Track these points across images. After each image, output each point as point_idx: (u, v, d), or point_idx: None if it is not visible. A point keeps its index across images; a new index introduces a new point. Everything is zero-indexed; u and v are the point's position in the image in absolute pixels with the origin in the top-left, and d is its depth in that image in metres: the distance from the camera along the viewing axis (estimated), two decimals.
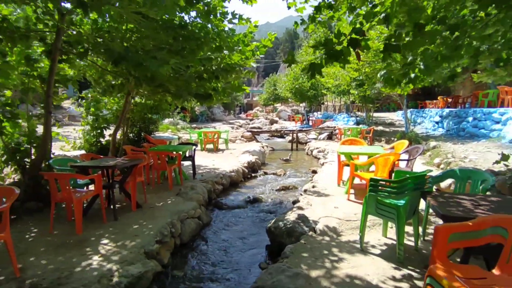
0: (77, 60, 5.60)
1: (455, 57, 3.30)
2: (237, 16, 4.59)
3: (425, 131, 12.84)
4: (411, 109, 17.39)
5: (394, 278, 2.85)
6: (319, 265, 3.14)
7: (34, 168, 4.38)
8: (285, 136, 19.86)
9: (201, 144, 11.70)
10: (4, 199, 2.89)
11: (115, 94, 6.26)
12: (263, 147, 12.69)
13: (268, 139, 19.63)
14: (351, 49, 2.47)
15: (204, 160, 9.36)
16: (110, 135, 8.01)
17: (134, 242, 3.62)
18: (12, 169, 4.61)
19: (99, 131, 7.55)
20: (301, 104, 33.36)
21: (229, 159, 9.72)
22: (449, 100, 15.00)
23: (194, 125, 20.86)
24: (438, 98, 16.02)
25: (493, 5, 2.38)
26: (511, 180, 3.63)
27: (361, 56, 2.60)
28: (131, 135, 8.85)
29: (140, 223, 4.23)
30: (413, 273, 2.92)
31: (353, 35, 2.43)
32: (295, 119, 29.93)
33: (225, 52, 4.83)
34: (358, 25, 2.71)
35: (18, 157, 4.49)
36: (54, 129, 5.39)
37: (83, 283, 2.76)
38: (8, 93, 4.53)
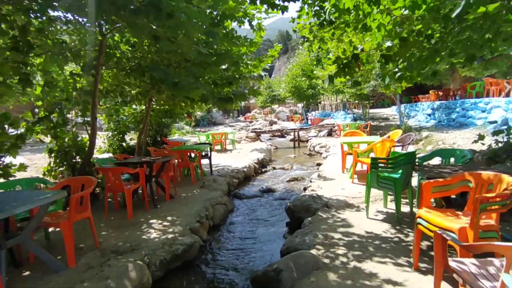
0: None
1: (435, 58, 4.11)
2: (248, 40, 5.47)
3: (418, 123, 13.68)
4: (405, 104, 18.27)
5: (392, 232, 3.63)
6: (333, 227, 3.91)
7: (84, 166, 5.11)
8: (285, 135, 20.69)
9: None
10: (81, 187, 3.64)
11: (139, 102, 7.01)
12: (269, 145, 13.47)
13: (269, 139, 20.40)
14: (355, 62, 3.27)
15: (215, 159, 10.08)
16: (130, 139, 8.77)
17: (179, 222, 4.37)
18: (63, 168, 5.34)
19: (121, 135, 8.28)
20: (298, 104, 34.21)
21: (238, 157, 10.47)
22: (440, 93, 15.88)
23: (198, 129, 21.57)
24: (430, 92, 16.91)
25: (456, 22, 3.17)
26: (486, 155, 4.42)
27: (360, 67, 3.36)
28: (147, 138, 9.58)
29: (178, 208, 4.98)
30: (407, 229, 3.69)
31: (355, 51, 3.22)
32: (294, 119, 30.74)
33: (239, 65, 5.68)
34: (357, 45, 3.50)
35: (68, 158, 5.23)
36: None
37: (151, 248, 3.50)
38: (67, 103, 5.26)
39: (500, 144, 4.40)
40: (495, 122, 5.92)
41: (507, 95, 10.15)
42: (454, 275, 1.86)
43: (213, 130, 17.97)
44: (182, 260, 3.67)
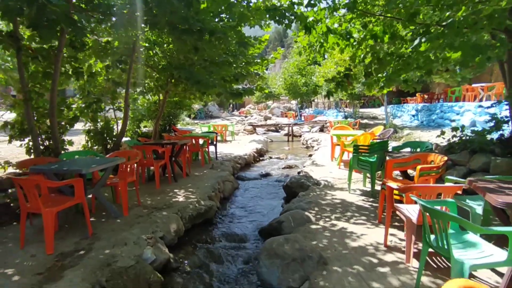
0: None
1: (407, 70, 5.24)
2: (257, 39, 6.51)
3: (403, 123, 14.92)
4: (393, 105, 19.55)
5: (367, 203, 4.76)
6: (322, 198, 5.02)
7: (116, 145, 6.10)
8: (279, 130, 21.81)
9: None
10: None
11: (158, 92, 7.99)
12: (265, 138, 14.55)
13: (264, 133, 21.48)
14: (346, 81, 4.45)
15: (218, 148, 11.10)
16: (144, 126, 9.74)
17: (198, 192, 5.42)
18: (96, 147, 6.31)
19: (137, 122, 9.25)
20: (292, 101, 35.31)
21: (238, 147, 11.53)
22: (426, 96, 17.18)
23: (196, 121, 22.51)
24: (417, 95, 18.20)
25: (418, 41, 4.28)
26: (446, 147, 5.60)
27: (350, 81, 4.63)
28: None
29: (194, 183, 6.02)
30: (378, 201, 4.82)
31: (346, 72, 4.38)
32: (288, 115, 31.88)
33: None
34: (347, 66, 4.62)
35: (103, 138, 6.22)
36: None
37: (182, 206, 4.55)
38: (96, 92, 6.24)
39: (455, 139, 5.56)
40: (454, 120, 7.41)
41: (480, 100, 11.41)
42: (397, 212, 2.97)
43: (212, 122, 18.94)
44: (204, 217, 4.74)
